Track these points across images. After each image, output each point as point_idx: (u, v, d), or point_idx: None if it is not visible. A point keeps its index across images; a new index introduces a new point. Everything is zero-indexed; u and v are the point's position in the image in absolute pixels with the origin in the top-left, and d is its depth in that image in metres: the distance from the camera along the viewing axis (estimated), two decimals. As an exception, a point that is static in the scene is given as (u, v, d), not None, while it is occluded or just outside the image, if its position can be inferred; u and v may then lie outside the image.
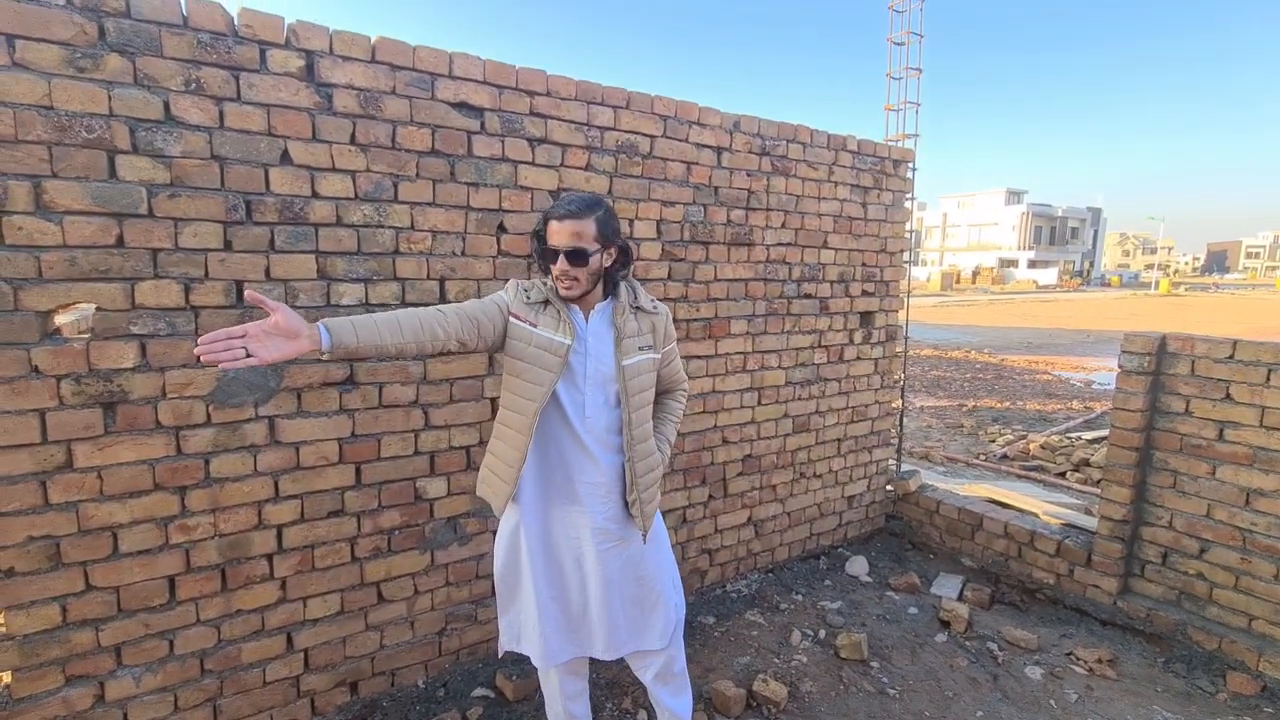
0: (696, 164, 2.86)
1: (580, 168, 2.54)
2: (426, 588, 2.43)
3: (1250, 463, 2.68)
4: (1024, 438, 6.43)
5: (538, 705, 2.33)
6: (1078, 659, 2.74)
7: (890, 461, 3.98)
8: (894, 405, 3.94)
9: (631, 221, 2.69)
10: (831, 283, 3.44)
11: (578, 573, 1.84)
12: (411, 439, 2.32)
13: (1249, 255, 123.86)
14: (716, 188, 2.94)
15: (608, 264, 1.73)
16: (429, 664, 2.49)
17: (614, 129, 2.60)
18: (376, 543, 2.30)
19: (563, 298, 1.72)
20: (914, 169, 3.74)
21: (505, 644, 1.93)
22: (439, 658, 2.51)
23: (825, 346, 3.48)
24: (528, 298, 1.73)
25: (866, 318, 3.65)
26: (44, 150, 1.68)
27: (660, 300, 2.23)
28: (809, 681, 2.56)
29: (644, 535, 1.86)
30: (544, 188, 2.47)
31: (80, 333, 1.85)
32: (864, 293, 3.60)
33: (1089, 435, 6.28)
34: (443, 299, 2.30)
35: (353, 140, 2.08)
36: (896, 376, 3.93)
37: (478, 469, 2.32)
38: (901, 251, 3.75)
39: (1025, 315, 23.30)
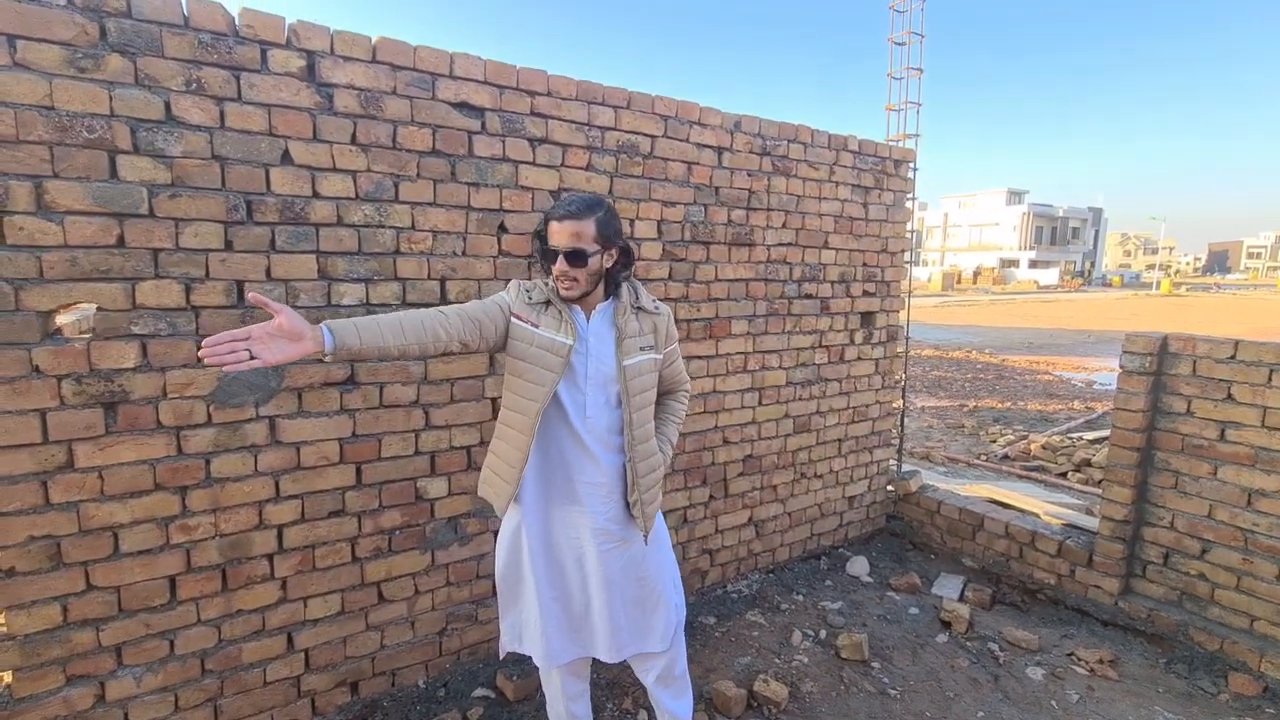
0: (697, 164, 2.86)
1: (581, 168, 2.54)
2: (427, 588, 2.43)
3: (1252, 463, 2.67)
4: (1025, 438, 6.42)
5: (538, 705, 2.33)
6: (1079, 659, 2.74)
7: (891, 462, 3.98)
8: (895, 405, 3.94)
9: (632, 221, 2.69)
10: (832, 283, 3.44)
11: (579, 573, 1.84)
12: (412, 439, 2.32)
13: (1250, 255, 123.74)
14: (717, 188, 2.94)
15: (608, 265, 1.73)
16: (429, 664, 2.49)
17: (615, 129, 2.60)
18: (377, 543, 2.30)
19: (563, 298, 1.72)
20: (915, 169, 3.74)
21: (507, 645, 1.93)
22: (439, 658, 2.51)
23: (826, 347, 3.47)
24: (529, 298, 1.73)
25: (867, 318, 3.65)
26: (45, 150, 1.68)
27: (661, 300, 2.23)
28: (810, 682, 2.56)
29: (645, 536, 1.85)
30: (545, 188, 2.47)
31: (81, 333, 1.85)
32: (865, 293, 3.60)
33: (1090, 435, 6.28)
34: (443, 299, 2.30)
35: (353, 140, 2.08)
36: (897, 377, 3.93)
37: (478, 469, 2.33)
38: (902, 251, 3.75)
39: (1026, 315, 23.29)
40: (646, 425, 1.84)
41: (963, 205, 67.25)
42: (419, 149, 2.20)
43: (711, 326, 3.01)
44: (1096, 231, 68.14)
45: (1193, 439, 2.83)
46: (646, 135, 2.69)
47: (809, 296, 3.35)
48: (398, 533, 2.33)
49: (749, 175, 3.02)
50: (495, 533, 2.48)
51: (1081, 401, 8.58)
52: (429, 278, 2.27)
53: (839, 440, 3.63)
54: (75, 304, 1.78)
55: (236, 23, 1.87)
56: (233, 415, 2.00)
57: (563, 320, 1.71)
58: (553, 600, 1.84)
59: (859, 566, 3.52)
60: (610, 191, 2.63)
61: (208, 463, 1.98)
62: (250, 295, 1.36)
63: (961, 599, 3.24)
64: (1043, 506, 3.78)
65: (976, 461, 5.73)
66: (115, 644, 1.92)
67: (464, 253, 2.33)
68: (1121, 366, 2.97)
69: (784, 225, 3.19)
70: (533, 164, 2.43)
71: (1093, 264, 66.47)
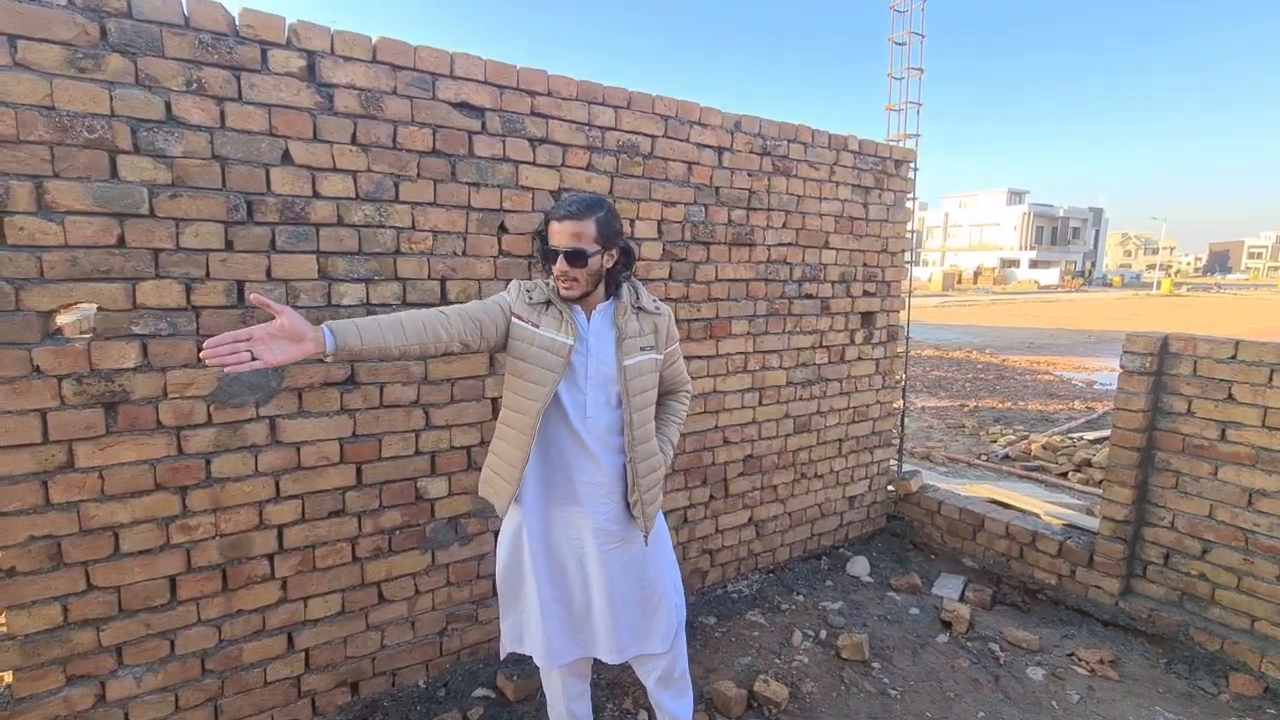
0: (697, 164, 2.86)
1: (581, 168, 2.54)
2: (427, 588, 2.43)
3: (1252, 463, 2.67)
4: (1026, 438, 6.42)
5: (539, 705, 2.33)
6: (1079, 660, 2.74)
7: (891, 462, 3.97)
8: (895, 405, 3.94)
9: (633, 221, 2.69)
10: (833, 283, 3.44)
11: (580, 573, 1.84)
12: (412, 439, 2.32)
13: (1251, 255, 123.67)
14: (717, 188, 2.94)
15: (609, 265, 1.73)
16: (430, 664, 2.49)
17: (615, 129, 2.60)
18: (377, 543, 2.30)
19: (563, 298, 1.72)
20: (915, 169, 3.74)
21: (508, 645, 1.92)
22: (440, 658, 2.51)
23: (826, 347, 3.47)
24: (530, 298, 1.73)
25: (868, 318, 3.65)
26: (45, 150, 1.68)
27: (661, 300, 2.23)
28: (810, 682, 2.55)
29: (645, 536, 1.85)
30: (545, 188, 2.47)
31: (82, 333, 1.85)
32: (865, 293, 3.60)
33: (1091, 436, 6.28)
34: (444, 299, 2.30)
35: (354, 140, 2.08)
36: (898, 377, 3.93)
37: (479, 469, 2.33)
38: (903, 251, 3.75)
39: (1027, 315, 23.28)
40: (647, 425, 1.84)
41: (963, 205, 67.23)
42: (419, 149, 2.20)
43: (712, 326, 3.01)
44: (1097, 231, 68.11)
45: (1193, 439, 2.83)
46: (647, 135, 2.69)
47: (809, 296, 3.35)
48: (398, 533, 2.33)
49: (749, 175, 3.02)
50: (495, 533, 2.48)
51: (1082, 401, 8.57)
52: (429, 278, 2.27)
53: (839, 440, 3.63)
54: (76, 304, 1.78)
55: (237, 23, 1.87)
56: (233, 415, 2.00)
57: (563, 320, 1.71)
58: (554, 600, 1.84)
59: (859, 567, 3.52)
60: (610, 191, 2.63)
61: (208, 463, 1.98)
62: (252, 296, 1.36)
63: (962, 599, 3.24)
64: (1043, 507, 3.77)
65: (977, 461, 5.72)
66: (115, 644, 1.92)
67: (464, 253, 2.33)
68: (1122, 366, 2.96)
69: (784, 225, 3.19)
70: (533, 164, 2.43)
71: (1093, 264, 66.44)
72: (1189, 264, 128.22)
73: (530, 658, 1.91)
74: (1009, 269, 56.11)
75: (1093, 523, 3.30)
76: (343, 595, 2.26)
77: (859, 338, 3.61)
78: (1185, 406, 2.85)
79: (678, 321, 2.84)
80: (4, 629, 1.81)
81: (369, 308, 2.16)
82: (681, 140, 2.79)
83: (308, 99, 1.99)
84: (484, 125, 2.31)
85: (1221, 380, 2.74)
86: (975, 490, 4.18)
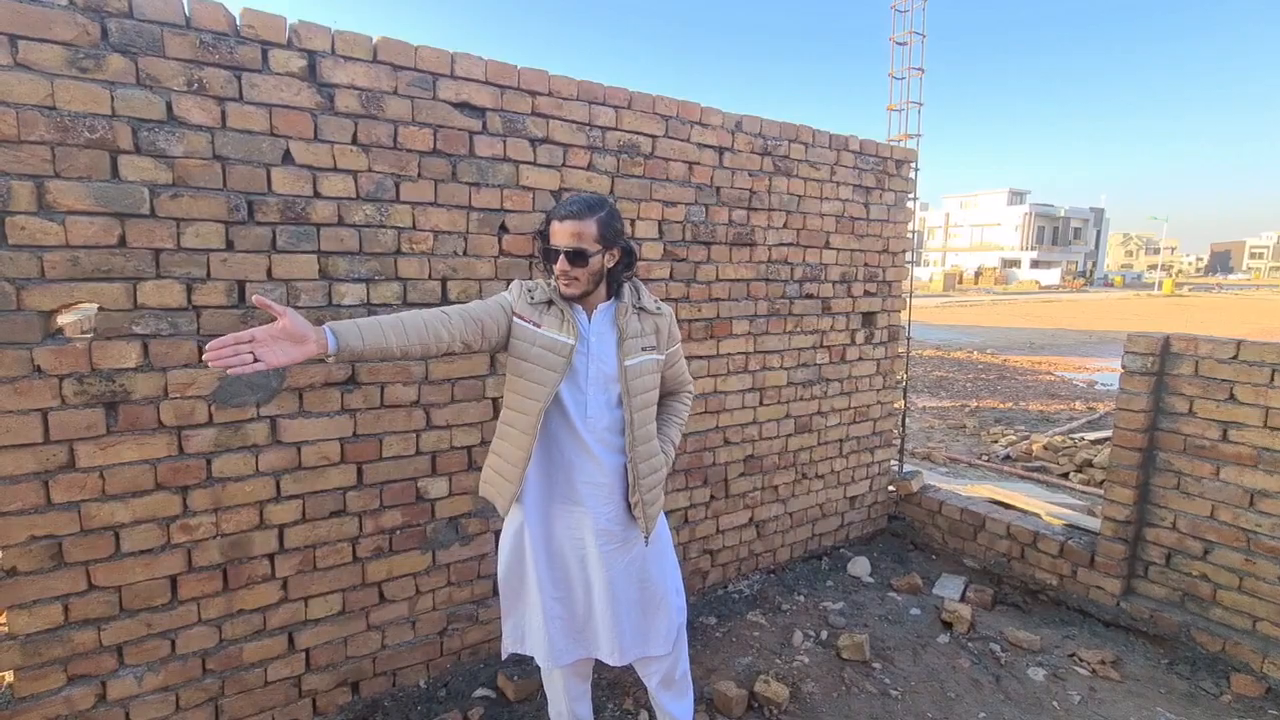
0: (698, 164, 2.86)
1: (582, 168, 2.54)
2: (428, 588, 2.43)
3: (1254, 463, 2.67)
4: (1027, 438, 6.41)
5: (539, 706, 2.33)
6: (1081, 660, 2.73)
7: (892, 462, 3.97)
8: (896, 406, 3.93)
9: (633, 221, 2.69)
10: (833, 283, 3.44)
11: (582, 574, 1.84)
12: (413, 439, 2.32)
13: (1253, 255, 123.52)
14: (718, 188, 2.94)
15: (610, 264, 1.73)
16: (430, 664, 2.49)
17: (616, 129, 2.60)
18: (378, 543, 2.30)
19: (564, 297, 1.72)
20: (916, 169, 3.74)
21: (510, 646, 1.92)
22: (440, 658, 2.51)
23: (827, 347, 3.47)
24: (531, 298, 1.74)
25: (869, 318, 3.65)
26: (46, 150, 1.68)
27: (662, 300, 2.23)
28: (811, 682, 2.55)
29: (646, 537, 1.85)
30: (546, 188, 2.47)
31: (82, 332, 1.85)
32: (866, 293, 3.59)
33: (1092, 436, 6.27)
34: (444, 299, 2.30)
35: (354, 140, 2.08)
36: (899, 377, 3.92)
37: (479, 469, 2.33)
38: (904, 252, 3.74)
39: (1028, 316, 23.27)
40: (648, 426, 1.84)
41: (964, 205, 67.18)
42: (420, 149, 2.20)
43: (712, 326, 3.01)
44: (1098, 232, 68.04)
45: (1195, 439, 2.82)
46: (647, 135, 2.69)
47: (810, 296, 3.35)
48: (399, 533, 2.33)
49: (750, 175, 3.02)
50: (496, 533, 2.48)
51: (1083, 402, 8.57)
52: (430, 278, 2.27)
53: (840, 440, 3.63)
54: (77, 304, 1.78)
55: (238, 23, 1.87)
56: (234, 415, 2.00)
57: (565, 320, 1.71)
58: (555, 600, 1.84)
59: (860, 567, 3.52)
60: (611, 191, 2.63)
61: (209, 462, 1.98)
62: (255, 298, 1.37)
63: (963, 599, 3.23)
64: (1044, 507, 3.77)
65: (978, 462, 5.72)
66: (116, 643, 1.92)
67: (465, 253, 2.33)
68: (1123, 367, 2.96)
69: (785, 225, 3.18)
70: (534, 164, 2.42)
71: (1095, 264, 66.39)
72: (1190, 264, 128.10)
73: (531, 657, 1.91)
74: (1010, 269, 56.07)
75: (1094, 523, 3.30)
76: (343, 595, 2.26)
77: (860, 338, 3.61)
78: (1187, 407, 2.84)
79: (678, 321, 2.84)
80: (5, 629, 1.81)
81: (370, 308, 2.16)
82: (682, 140, 2.79)
83: (308, 99, 1.99)
84: (485, 125, 2.31)
85: (1223, 380, 2.73)
86: (976, 490, 4.17)
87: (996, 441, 6.49)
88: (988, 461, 5.74)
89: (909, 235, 3.75)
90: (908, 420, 4.43)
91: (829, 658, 2.72)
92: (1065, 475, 5.35)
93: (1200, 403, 2.80)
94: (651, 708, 2.21)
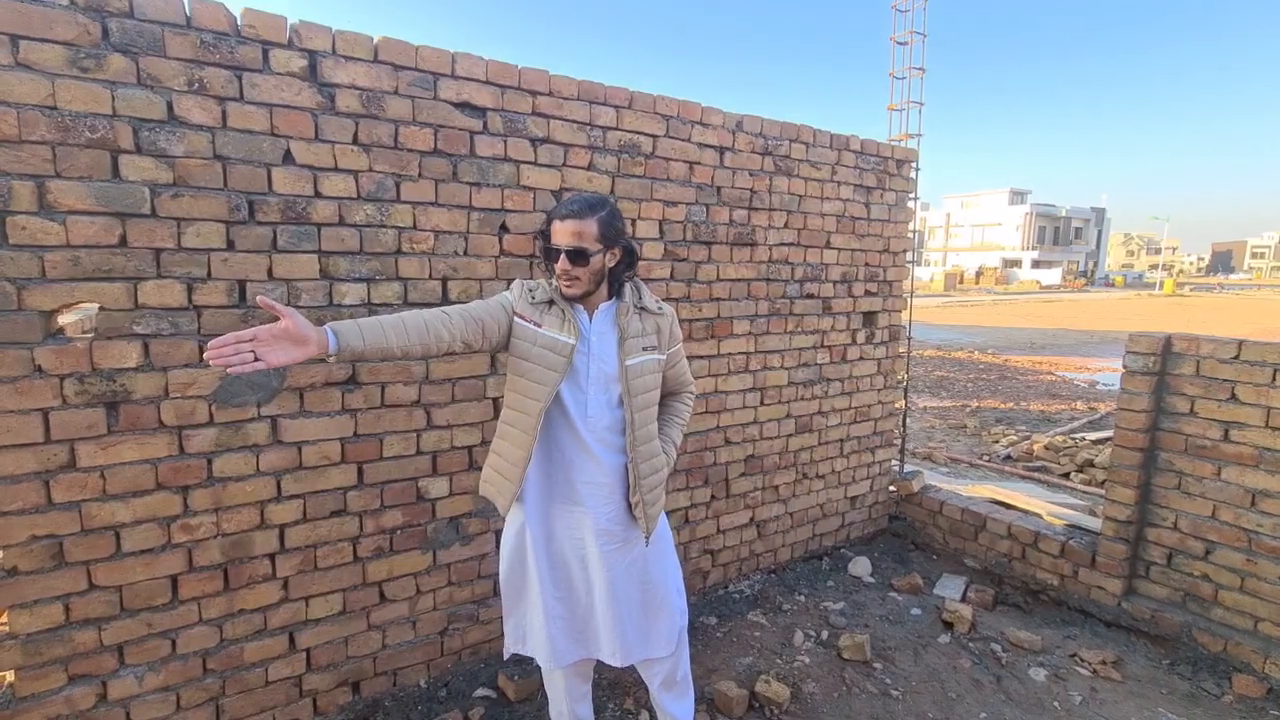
0: (699, 164, 2.85)
1: (583, 168, 2.54)
2: (428, 587, 2.43)
3: (1256, 463, 2.66)
4: (1028, 438, 6.41)
5: (540, 706, 2.33)
6: (1082, 660, 2.73)
7: (893, 462, 3.97)
8: (897, 405, 3.93)
9: (634, 221, 2.69)
10: (834, 283, 3.43)
11: (583, 574, 1.84)
12: (414, 439, 2.32)
13: (1254, 255, 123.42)
14: (719, 188, 2.93)
15: (611, 264, 1.73)
16: (431, 664, 2.49)
17: (616, 129, 2.60)
18: (379, 542, 2.30)
19: (565, 296, 1.72)
20: (917, 169, 3.73)
21: (511, 647, 1.92)
22: (441, 657, 2.51)
23: (828, 347, 3.47)
24: (532, 298, 1.73)
25: (869, 318, 3.64)
26: (47, 150, 1.68)
27: (663, 300, 2.23)
28: (812, 682, 2.55)
29: (647, 538, 1.85)
30: (546, 188, 2.47)
31: (83, 332, 1.85)
32: (867, 293, 3.59)
33: (1093, 436, 6.26)
34: (445, 299, 2.30)
35: (355, 140, 2.08)
36: (900, 377, 3.92)
37: (480, 469, 2.32)
38: (905, 251, 3.74)
39: (1029, 316, 23.25)
40: (649, 426, 1.84)
41: (965, 205, 67.14)
42: (421, 149, 2.20)
43: (713, 326, 3.01)
44: (1099, 231, 67.98)
45: (1196, 439, 2.82)
46: (648, 135, 2.69)
47: (811, 296, 3.35)
48: (399, 532, 2.33)
49: (751, 175, 3.02)
50: (497, 533, 2.48)
51: (1084, 402, 8.56)
52: (431, 278, 2.27)
53: (841, 440, 3.62)
54: (77, 303, 1.78)
55: (238, 23, 1.87)
56: (235, 415, 2.00)
57: (565, 320, 1.71)
58: (557, 601, 1.84)
59: (861, 567, 3.51)
60: (612, 191, 2.63)
61: (209, 462, 1.98)
62: (259, 298, 1.37)
63: (964, 600, 3.23)
64: (1045, 507, 3.76)
65: (979, 462, 5.71)
66: (117, 643, 1.92)
67: (466, 253, 2.33)
68: (1125, 367, 2.96)
69: (786, 225, 3.18)
70: (534, 164, 2.42)
71: (1096, 264, 66.34)
72: (1192, 264, 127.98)
73: (531, 657, 1.91)
74: (1011, 269, 56.03)
75: (1095, 523, 3.30)
76: (344, 595, 2.26)
77: (861, 338, 3.61)
78: (1188, 407, 2.84)
79: (679, 321, 2.84)
80: (6, 628, 1.81)
81: (370, 307, 2.16)
82: (683, 140, 2.79)
83: (309, 99, 1.99)
84: (485, 125, 2.31)
85: (1225, 380, 2.73)
86: (977, 490, 4.17)
87: (998, 441, 6.49)
88: (989, 461, 5.74)
89: (910, 235, 3.75)
90: (909, 420, 4.43)
91: (830, 658, 2.72)
92: (1066, 475, 5.35)
93: (1202, 403, 2.80)
94: (652, 708, 2.21)
